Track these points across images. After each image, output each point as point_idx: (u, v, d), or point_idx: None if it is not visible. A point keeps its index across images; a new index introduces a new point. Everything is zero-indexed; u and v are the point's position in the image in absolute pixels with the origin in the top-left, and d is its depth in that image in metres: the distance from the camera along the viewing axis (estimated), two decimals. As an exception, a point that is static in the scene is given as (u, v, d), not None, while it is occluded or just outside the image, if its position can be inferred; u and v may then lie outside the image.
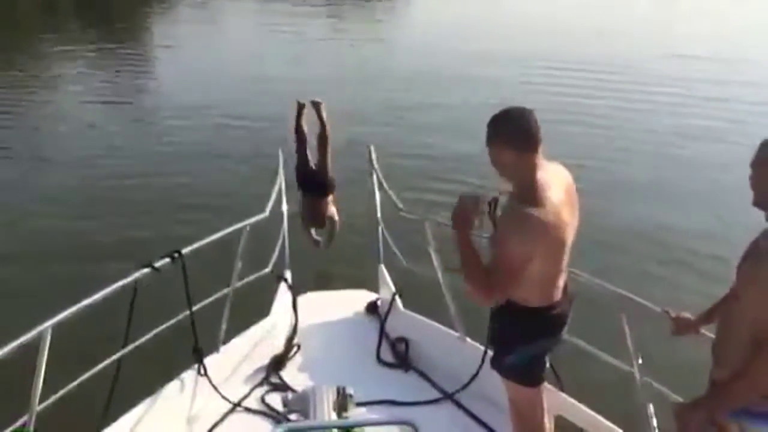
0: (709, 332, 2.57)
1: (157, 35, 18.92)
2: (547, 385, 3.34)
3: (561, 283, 2.67)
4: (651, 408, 2.89)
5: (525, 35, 17.69)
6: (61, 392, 2.92)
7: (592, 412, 3.15)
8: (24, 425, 2.68)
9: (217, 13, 22.52)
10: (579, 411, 3.20)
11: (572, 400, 3.24)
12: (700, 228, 7.26)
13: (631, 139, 10.09)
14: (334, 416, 2.91)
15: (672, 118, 11.01)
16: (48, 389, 2.76)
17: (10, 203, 7.71)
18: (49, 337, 2.65)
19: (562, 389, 3.30)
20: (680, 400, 2.72)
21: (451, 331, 3.87)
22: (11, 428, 2.67)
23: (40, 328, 2.64)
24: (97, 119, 11.13)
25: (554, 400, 3.29)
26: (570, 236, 2.56)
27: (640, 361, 2.95)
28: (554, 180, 2.54)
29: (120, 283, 3.03)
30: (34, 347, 2.63)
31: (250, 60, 15.10)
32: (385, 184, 4.68)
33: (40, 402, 2.73)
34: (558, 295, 2.66)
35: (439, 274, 3.84)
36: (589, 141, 9.85)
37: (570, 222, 2.55)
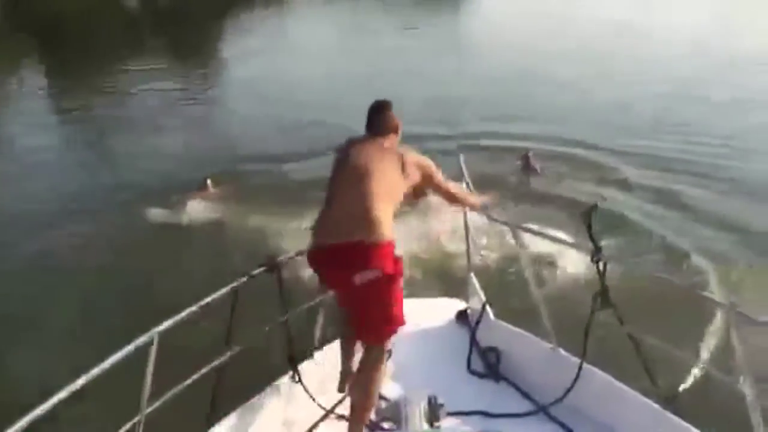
0: None
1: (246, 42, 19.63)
2: (650, 403, 3.18)
3: None
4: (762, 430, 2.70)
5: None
6: (166, 396, 3.05)
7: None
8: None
9: (296, 22, 23.15)
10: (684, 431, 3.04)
11: (678, 419, 3.08)
12: None
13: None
14: (425, 426, 2.90)
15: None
16: (153, 394, 2.90)
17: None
18: (156, 343, 2.80)
19: (672, 411, 3.12)
20: None
21: (544, 342, 3.77)
22: (123, 429, 2.82)
23: (148, 334, 2.78)
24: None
25: (658, 420, 3.13)
26: None
27: (750, 378, 2.75)
28: None
29: (219, 292, 3.16)
30: (142, 352, 2.77)
31: (327, 67, 15.47)
32: (474, 192, 4.63)
33: (148, 405, 2.87)
34: None
35: (530, 282, 3.75)
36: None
37: None
